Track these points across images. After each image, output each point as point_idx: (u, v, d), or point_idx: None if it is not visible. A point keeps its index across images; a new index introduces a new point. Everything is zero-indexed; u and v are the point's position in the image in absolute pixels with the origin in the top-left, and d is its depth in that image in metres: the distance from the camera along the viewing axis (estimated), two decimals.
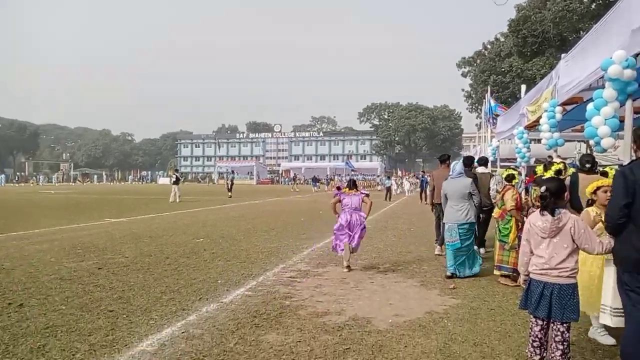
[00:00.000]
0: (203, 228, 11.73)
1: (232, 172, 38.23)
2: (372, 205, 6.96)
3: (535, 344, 3.17)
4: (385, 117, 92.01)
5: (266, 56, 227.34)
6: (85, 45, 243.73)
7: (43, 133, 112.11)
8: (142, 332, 4.11)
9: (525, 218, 4.96)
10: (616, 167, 6.43)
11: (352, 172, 42.22)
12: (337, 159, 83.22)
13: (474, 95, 42.13)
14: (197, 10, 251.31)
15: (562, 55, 6.60)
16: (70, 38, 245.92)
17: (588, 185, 5.00)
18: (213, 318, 4.52)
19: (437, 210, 8.16)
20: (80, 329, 4.18)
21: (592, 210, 3.78)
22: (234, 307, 4.89)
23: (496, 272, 6.16)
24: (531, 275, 3.22)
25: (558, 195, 3.15)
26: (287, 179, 64.19)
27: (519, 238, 5.52)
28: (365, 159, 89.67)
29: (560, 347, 3.06)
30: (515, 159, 9.32)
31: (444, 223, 6.85)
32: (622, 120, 4.40)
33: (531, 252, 3.25)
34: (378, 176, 54.99)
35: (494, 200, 6.28)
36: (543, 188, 3.19)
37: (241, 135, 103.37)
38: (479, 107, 31.03)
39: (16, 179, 70.81)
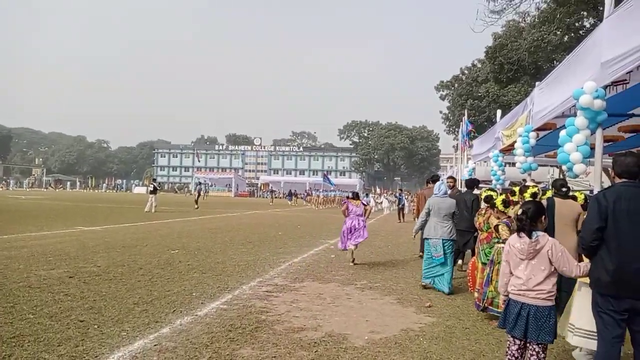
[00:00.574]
0: (179, 239, 11.54)
1: (200, 183, 39.82)
2: (371, 211, 9.47)
3: None
4: (365, 135, 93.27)
5: (248, 69, 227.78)
6: (63, 47, 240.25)
7: (15, 137, 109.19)
8: (113, 343, 4.01)
9: None
10: (586, 192, 6.70)
11: (332, 190, 42.14)
12: (317, 175, 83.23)
13: (451, 118, 43.09)
14: (179, 22, 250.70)
15: (537, 83, 6.90)
16: (47, 39, 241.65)
17: (564, 209, 5.17)
18: (187, 331, 4.44)
19: None
20: (48, 338, 4.05)
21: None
22: (208, 321, 4.81)
23: (481, 312, 5.44)
24: (510, 295, 3.29)
25: (535, 218, 3.24)
26: (265, 192, 63.89)
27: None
28: (344, 175, 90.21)
29: None
30: (491, 181, 9.58)
31: (425, 238, 7.00)
32: (592, 148, 4.61)
33: (510, 272, 3.33)
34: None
35: (476, 224, 6.21)
36: (520, 211, 3.29)
37: (220, 147, 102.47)
38: (456, 129, 31.75)
39: None
